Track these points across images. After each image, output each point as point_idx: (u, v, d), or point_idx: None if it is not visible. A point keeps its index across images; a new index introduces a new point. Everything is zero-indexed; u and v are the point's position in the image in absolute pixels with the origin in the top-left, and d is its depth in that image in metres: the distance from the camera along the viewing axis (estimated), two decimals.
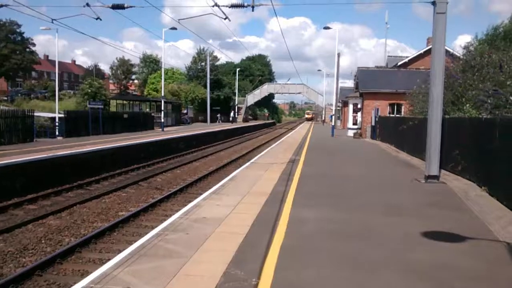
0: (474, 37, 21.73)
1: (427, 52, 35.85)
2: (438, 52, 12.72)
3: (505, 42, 18.14)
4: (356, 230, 7.65)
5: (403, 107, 33.14)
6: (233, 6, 16.02)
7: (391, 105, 34.60)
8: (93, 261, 8.70)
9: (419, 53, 42.25)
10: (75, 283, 5.75)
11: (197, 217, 8.24)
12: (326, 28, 41.42)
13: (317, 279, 5.37)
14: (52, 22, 17.82)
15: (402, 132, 22.26)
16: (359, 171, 15.61)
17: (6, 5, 16.23)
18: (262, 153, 21.59)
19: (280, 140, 31.89)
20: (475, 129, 12.30)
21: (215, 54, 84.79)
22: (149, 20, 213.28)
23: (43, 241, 9.94)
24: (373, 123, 33.40)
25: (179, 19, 19.84)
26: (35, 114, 29.37)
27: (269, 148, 24.98)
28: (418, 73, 32.08)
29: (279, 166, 15.81)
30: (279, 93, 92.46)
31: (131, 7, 16.99)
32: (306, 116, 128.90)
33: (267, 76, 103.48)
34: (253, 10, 16.30)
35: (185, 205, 10.04)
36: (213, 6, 15.64)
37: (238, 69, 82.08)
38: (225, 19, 16.99)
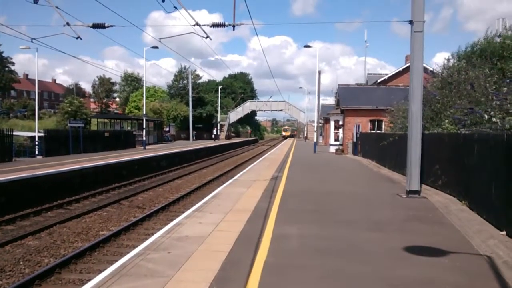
0: (452, 53, 22.11)
1: (406, 70, 36.56)
2: (416, 69, 12.97)
3: (481, 59, 18.55)
4: (339, 246, 7.65)
5: (383, 123, 33.57)
6: (214, 25, 16.12)
7: (372, 122, 35.03)
8: (73, 282, 8.53)
9: (398, 70, 43.01)
10: None
11: (179, 236, 8.15)
12: (307, 46, 41.91)
13: None
14: (32, 41, 17.62)
15: (383, 148, 22.50)
16: (341, 187, 15.68)
17: None
18: (245, 170, 21.56)
19: (263, 157, 31.91)
20: (454, 145, 12.49)
21: (197, 72, 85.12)
22: (131, 39, 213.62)
23: (21, 262, 9.72)
24: (354, 139, 33.72)
25: (160, 38, 19.86)
26: (14, 133, 28.96)
27: (252, 165, 24.96)
28: (398, 90, 32.68)
29: (262, 183, 15.80)
30: (261, 110, 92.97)
31: (111, 26, 16.93)
32: (284, 133, 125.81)
33: (249, 93, 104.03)
34: (234, 29, 16.42)
35: (167, 224, 9.94)
36: (194, 25, 15.68)
37: (220, 87, 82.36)
38: (206, 38, 17.03)
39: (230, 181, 16.95)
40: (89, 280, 6.40)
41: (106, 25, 16.48)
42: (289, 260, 6.72)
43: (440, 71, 20.54)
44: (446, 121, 15.59)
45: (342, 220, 9.80)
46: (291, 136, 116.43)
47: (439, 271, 6.31)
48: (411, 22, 12.86)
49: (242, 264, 6.42)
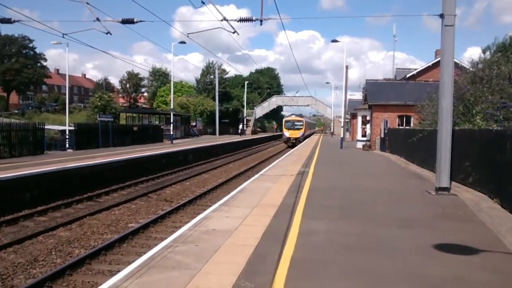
0: (486, 47, 21.48)
1: (436, 65, 35.81)
2: (446, 64, 12.70)
3: None
4: (367, 242, 7.58)
5: (412, 119, 33.04)
6: (241, 20, 16.08)
7: (400, 117, 34.50)
8: (102, 273, 8.70)
9: (427, 65, 42.20)
10: None
11: (206, 229, 8.22)
12: (334, 41, 41.67)
13: None
14: (63, 37, 17.97)
15: (411, 144, 22.15)
16: (369, 183, 15.52)
17: (18, 21, 16.45)
18: (271, 165, 21.56)
19: (289, 152, 31.82)
20: (485, 141, 12.20)
21: (223, 67, 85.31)
22: (159, 34, 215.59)
23: (53, 253, 9.98)
24: (382, 135, 33.30)
25: (188, 33, 19.98)
26: (46, 127, 29.64)
27: (278, 160, 24.94)
28: (427, 85, 31.98)
29: (288, 178, 15.77)
30: (288, 105, 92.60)
31: (141, 21, 17.12)
32: (287, 132, 54.46)
33: (276, 88, 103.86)
34: (261, 24, 16.30)
35: (194, 217, 10.04)
36: (221, 20, 15.70)
37: (246, 82, 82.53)
38: (233, 33, 17.03)
39: (256, 176, 16.98)
40: (119, 271, 6.53)
41: (135, 20, 16.65)
42: (316, 256, 6.70)
43: (471, 65, 20.06)
44: (478, 117, 15.24)
45: (370, 217, 9.70)
46: (304, 135, 57.17)
47: (470, 269, 6.19)
48: (441, 16, 12.58)
49: (269, 259, 6.43)
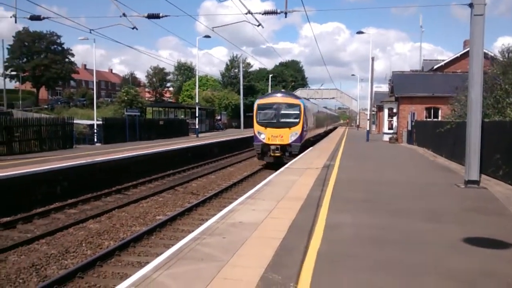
0: None
1: (465, 55, 34.99)
2: (476, 55, 12.42)
3: None
4: (394, 236, 7.52)
5: (440, 111, 32.48)
6: (266, 13, 16.07)
7: (428, 109, 33.94)
8: (132, 264, 8.89)
9: (455, 56, 41.29)
10: (115, 285, 5.90)
11: (233, 222, 8.29)
12: (360, 32, 41.10)
13: (356, 285, 5.32)
14: (90, 32, 18.36)
15: (439, 137, 21.79)
16: (396, 176, 15.36)
17: (48, 18, 16.79)
18: (296, 158, 21.52)
19: (314, 146, 31.69)
20: None
21: (248, 60, 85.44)
22: (184, 28, 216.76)
23: (83, 244, 10.22)
24: (409, 128, 32.85)
25: (213, 27, 20.03)
26: (75, 121, 30.25)
27: (303, 153, 24.87)
28: (455, 76, 31.41)
29: (314, 171, 15.73)
30: (312, 98, 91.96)
31: (166, 16, 17.26)
32: (261, 131, 24.59)
33: (300, 81, 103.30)
34: (286, 17, 16.23)
35: (221, 210, 10.13)
36: (246, 13, 15.70)
37: (271, 75, 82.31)
38: (258, 26, 17.02)
39: (282, 169, 16.98)
40: (147, 262, 6.66)
41: (160, 15, 16.81)
42: (343, 249, 6.69)
43: (501, 55, 19.55)
44: (509, 108, 14.88)
45: (397, 210, 9.61)
46: (306, 137, 26.93)
47: (501, 263, 6.09)
48: (471, 5, 12.29)
49: (296, 251, 6.45)
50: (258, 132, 24.09)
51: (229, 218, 8.63)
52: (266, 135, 23.87)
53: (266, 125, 24.00)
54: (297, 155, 22.57)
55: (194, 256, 6.32)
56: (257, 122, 24.24)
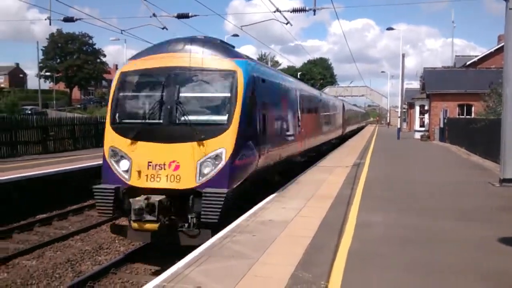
0: None
1: (499, 50, 34.08)
2: (511, 49, 12.07)
3: None
4: (426, 235, 7.39)
5: (473, 108, 31.77)
6: (294, 10, 16.07)
7: (461, 106, 33.29)
8: (163, 261, 9.00)
9: (489, 51, 40.32)
10: (147, 282, 6.00)
11: (263, 220, 8.30)
12: (390, 29, 40.73)
13: (387, 285, 5.26)
14: (121, 33, 18.67)
15: (473, 134, 21.30)
16: (428, 174, 15.09)
17: (80, 19, 17.20)
18: (326, 156, 21.37)
19: (343, 144, 31.44)
20: None
21: (276, 59, 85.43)
22: (212, 27, 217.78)
23: (116, 241, 10.44)
24: (441, 125, 32.24)
25: (241, 26, 20.06)
26: None
27: (333, 151, 24.68)
28: (489, 72, 30.68)
29: (344, 170, 15.59)
30: (341, 95, 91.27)
31: (195, 15, 17.45)
32: None
33: (329, 79, 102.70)
34: (314, 14, 16.14)
35: (251, 207, 10.15)
36: (274, 11, 15.71)
37: (299, 73, 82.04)
38: (286, 24, 16.98)
39: (311, 167, 16.89)
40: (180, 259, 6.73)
41: (190, 14, 16.99)
42: (374, 248, 6.61)
43: None
44: None
45: (429, 209, 9.44)
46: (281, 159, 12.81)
47: None
48: None
49: (326, 250, 6.42)
50: (113, 153, 9.17)
51: (259, 216, 8.65)
52: (136, 163, 8.82)
53: (136, 134, 9.01)
54: (217, 226, 8.11)
55: (225, 253, 6.37)
56: (115, 127, 9.42)
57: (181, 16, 17.12)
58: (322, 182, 12.94)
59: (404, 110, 51.34)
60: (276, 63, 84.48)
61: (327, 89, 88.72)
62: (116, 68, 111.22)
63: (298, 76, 78.63)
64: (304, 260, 5.99)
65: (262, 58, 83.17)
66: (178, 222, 8.37)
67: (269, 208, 9.41)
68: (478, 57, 41.11)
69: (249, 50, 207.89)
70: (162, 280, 5.41)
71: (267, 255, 6.27)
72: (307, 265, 5.79)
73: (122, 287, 7.85)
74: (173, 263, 6.21)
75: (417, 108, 38.46)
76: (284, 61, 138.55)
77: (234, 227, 7.77)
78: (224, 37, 53.47)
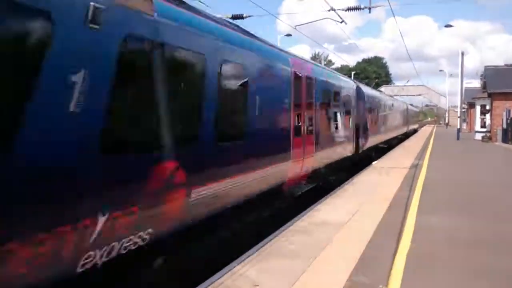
0: None
1: None
2: None
3: None
4: (490, 239, 7.08)
5: None
6: (349, 9, 15.90)
7: None
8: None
9: None
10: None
11: (318, 221, 8.24)
12: (448, 26, 39.24)
13: None
14: None
15: None
16: (490, 176, 14.44)
17: None
18: (382, 157, 20.94)
19: (401, 144, 30.67)
20: None
21: (329, 58, 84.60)
22: (265, 28, 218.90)
23: None
24: (504, 126, 30.79)
25: (295, 25, 20.04)
26: None
27: (389, 152, 24.15)
28: None
29: (401, 171, 15.20)
30: (398, 95, 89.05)
31: (249, 16, 17.64)
32: None
33: (384, 78, 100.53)
34: (369, 12, 15.88)
35: (306, 209, 10.10)
36: (329, 10, 15.58)
37: (353, 72, 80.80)
38: (341, 22, 16.80)
39: (367, 168, 16.59)
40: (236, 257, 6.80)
41: (244, 15, 17.19)
42: (434, 251, 6.39)
43: None
44: None
45: (492, 212, 9.04)
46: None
47: None
48: None
49: (384, 253, 6.27)
50: None
51: (313, 216, 8.59)
52: None
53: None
54: None
55: (280, 253, 6.37)
56: None
57: (236, 17, 17.35)
58: (378, 183, 12.70)
59: (463, 110, 49.42)
60: (329, 62, 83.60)
61: (382, 88, 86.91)
62: None
63: (352, 76, 77.79)
64: (361, 263, 5.89)
65: (315, 58, 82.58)
66: None
67: (324, 209, 9.33)
68: None
69: (303, 49, 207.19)
70: (218, 278, 5.45)
71: (323, 256, 6.21)
72: (364, 268, 5.68)
73: None
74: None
75: (478, 108, 37.00)
76: (338, 60, 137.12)
77: (290, 228, 7.76)
78: (277, 37, 53.68)
